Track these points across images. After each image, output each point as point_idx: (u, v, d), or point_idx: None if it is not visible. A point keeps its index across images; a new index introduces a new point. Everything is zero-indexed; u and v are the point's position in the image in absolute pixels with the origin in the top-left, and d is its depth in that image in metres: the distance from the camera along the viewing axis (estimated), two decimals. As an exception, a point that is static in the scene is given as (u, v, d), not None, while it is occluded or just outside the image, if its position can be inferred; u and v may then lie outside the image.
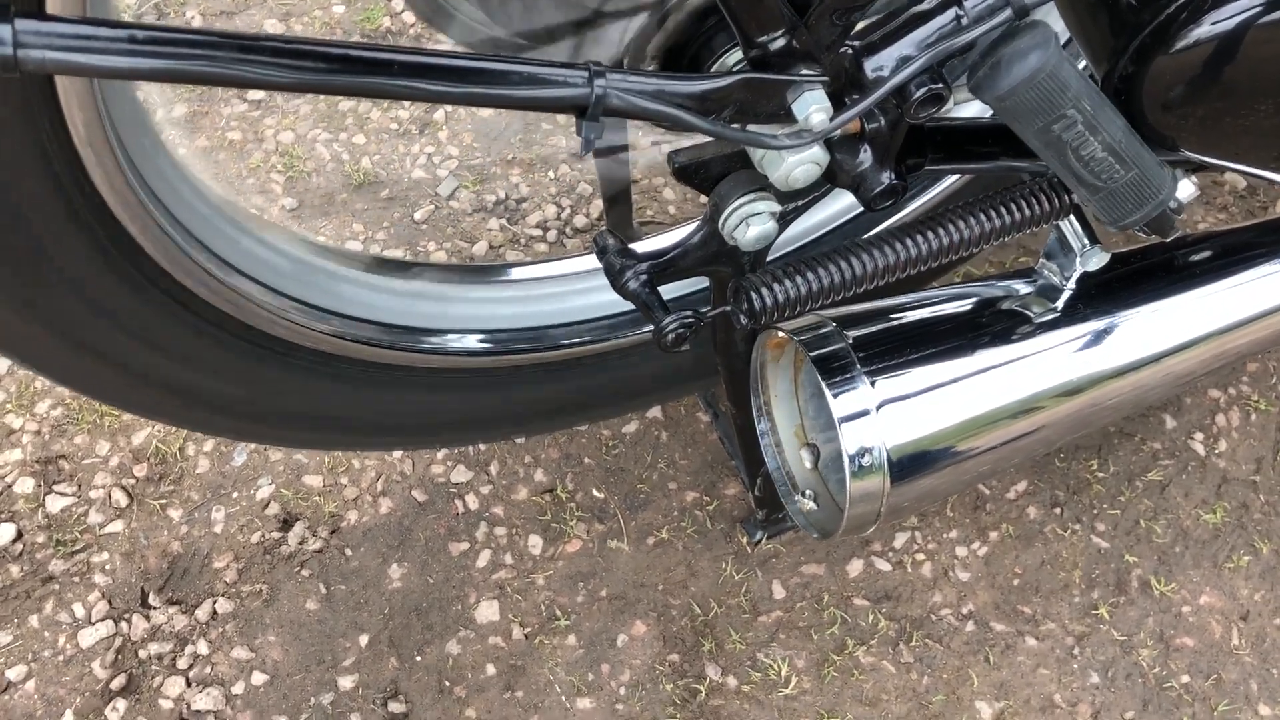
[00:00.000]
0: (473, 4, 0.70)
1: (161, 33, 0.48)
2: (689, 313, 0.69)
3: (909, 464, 0.76)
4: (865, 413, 0.75)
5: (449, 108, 1.35)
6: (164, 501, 1.10)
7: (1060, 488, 1.14)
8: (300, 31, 1.42)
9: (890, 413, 0.75)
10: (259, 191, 1.28)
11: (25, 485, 1.10)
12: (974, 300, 0.81)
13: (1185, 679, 1.04)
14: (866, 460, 0.75)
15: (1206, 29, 0.63)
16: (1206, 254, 0.83)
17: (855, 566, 1.10)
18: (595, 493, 1.13)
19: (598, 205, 1.29)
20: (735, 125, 0.60)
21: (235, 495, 1.11)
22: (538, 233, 1.29)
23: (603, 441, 1.16)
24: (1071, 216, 0.75)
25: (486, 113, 1.36)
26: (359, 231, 1.27)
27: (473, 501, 1.12)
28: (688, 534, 1.11)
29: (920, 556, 1.10)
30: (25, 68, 0.46)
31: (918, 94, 0.61)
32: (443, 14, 0.71)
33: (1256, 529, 1.12)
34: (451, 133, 1.34)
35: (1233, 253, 0.83)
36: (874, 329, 0.78)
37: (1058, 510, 1.13)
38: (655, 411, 1.17)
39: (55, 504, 1.09)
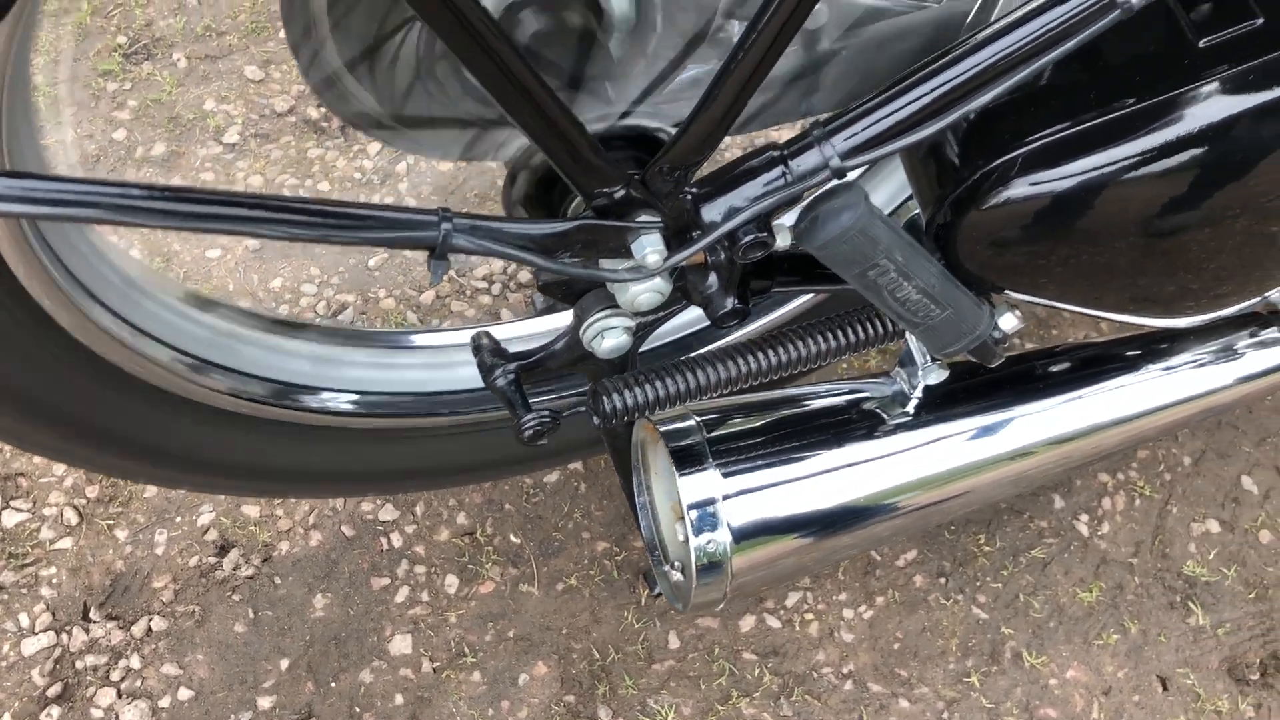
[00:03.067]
0: (365, 88, 0.78)
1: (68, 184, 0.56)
2: (547, 413, 0.77)
3: (751, 550, 0.83)
4: (712, 501, 0.83)
5: (411, 159, 1.44)
6: (112, 522, 1.19)
7: (948, 559, 1.21)
8: (278, 78, 1.51)
9: (736, 503, 0.83)
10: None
11: (-14, 500, 1.20)
12: (830, 401, 0.88)
13: (1043, 749, 1.11)
14: (711, 546, 0.83)
15: (1013, 190, 0.71)
16: (1045, 371, 0.90)
17: (748, 622, 1.17)
18: (513, 538, 1.21)
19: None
20: (577, 260, 0.68)
21: (178, 520, 1.20)
22: (484, 285, 1.37)
23: (524, 489, 1.24)
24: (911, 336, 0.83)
25: (446, 166, 1.44)
26: (315, 274, 1.35)
27: (397, 539, 1.20)
28: (595, 582, 1.19)
29: (809, 616, 1.18)
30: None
31: (745, 240, 0.69)
32: (335, 90, 0.78)
33: (1128, 609, 1.19)
34: (411, 184, 1.43)
35: (1067, 371, 0.90)
36: (732, 425, 0.86)
37: (943, 580, 1.20)
38: (577, 464, 1.25)
39: (10, 519, 1.18)
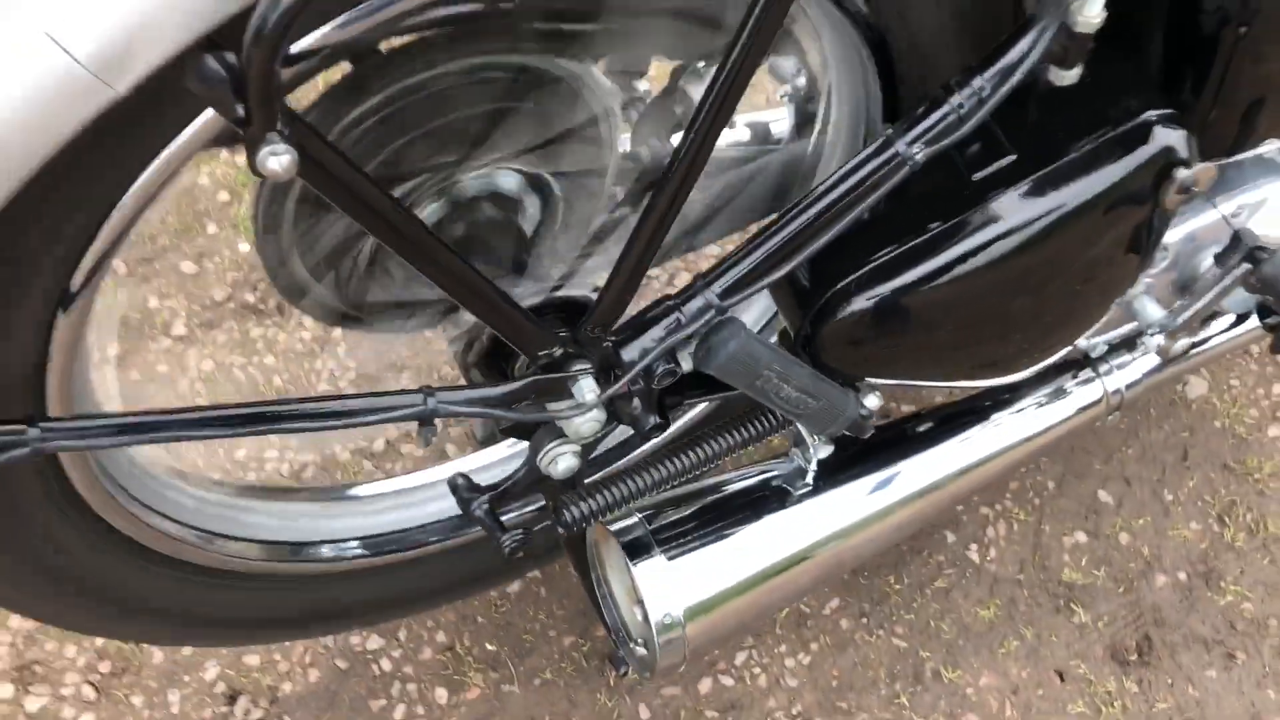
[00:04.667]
0: (325, 287, 0.95)
1: (122, 417, 0.73)
2: (520, 532, 0.95)
3: (701, 617, 1.02)
4: (663, 582, 1.01)
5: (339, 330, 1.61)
6: (127, 691, 1.32)
7: (866, 600, 1.41)
8: (212, 269, 1.67)
9: (682, 580, 1.01)
10: (188, 413, 1.52)
11: (5, 690, 1.31)
12: (745, 483, 1.08)
13: (971, 749, 1.30)
14: (667, 620, 1.00)
15: (856, 304, 0.91)
16: (914, 432, 1.11)
17: (705, 684, 1.35)
18: (489, 645, 1.37)
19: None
20: (531, 405, 0.87)
21: (187, 679, 1.33)
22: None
23: (492, 602, 1.40)
24: (801, 422, 1.03)
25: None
26: (275, 441, 1.51)
27: (386, 664, 1.35)
28: (567, 673, 1.35)
29: (757, 670, 1.36)
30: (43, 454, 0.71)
31: (658, 370, 0.88)
32: (296, 291, 0.95)
33: (1022, 618, 1.39)
34: (348, 347, 1.60)
35: (931, 430, 1.11)
36: (669, 516, 1.04)
37: (864, 619, 1.39)
38: (535, 572, 1.42)
39: (33, 704, 1.30)
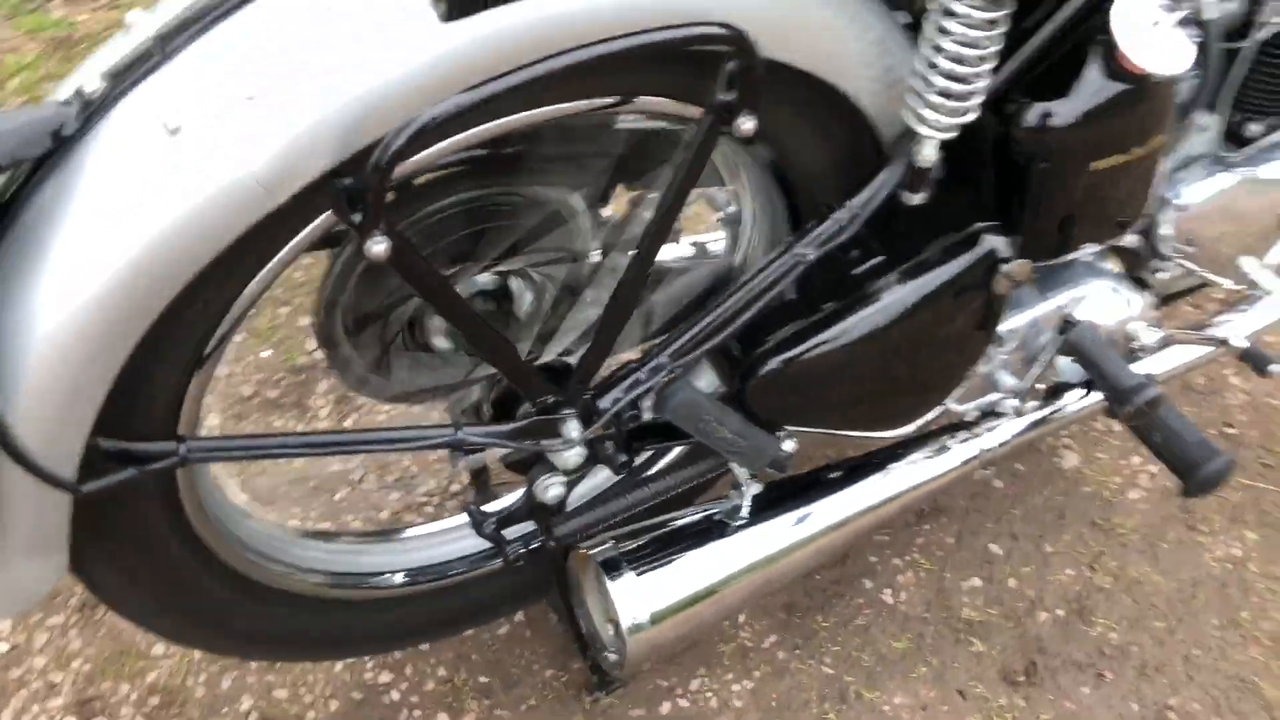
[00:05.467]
0: (374, 372, 1.25)
1: (259, 438, 1.02)
2: (521, 545, 1.23)
3: (663, 621, 1.29)
4: (634, 594, 1.28)
5: (359, 411, 1.89)
6: (174, 721, 1.55)
7: (799, 636, 1.67)
8: (239, 371, 1.96)
9: (648, 592, 1.29)
10: (221, 491, 1.78)
11: (69, 722, 1.54)
12: (693, 518, 1.36)
13: (888, 754, 1.56)
14: (636, 625, 1.28)
15: (771, 366, 1.22)
16: (829, 477, 1.41)
17: (665, 707, 1.60)
18: (482, 678, 1.62)
19: (465, 476, 1.83)
20: (532, 442, 1.16)
21: (225, 710, 1.56)
22: (426, 499, 1.81)
23: (484, 643, 1.65)
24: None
25: (383, 413, 1.90)
26: (296, 513, 1.77)
27: (395, 695, 1.59)
28: (550, 700, 1.60)
29: (709, 694, 1.61)
30: (189, 463, 0.99)
31: (626, 415, 1.18)
32: (348, 368, 1.24)
33: (929, 649, 1.67)
34: (354, 425, 1.88)
35: (842, 475, 1.41)
36: (636, 541, 1.32)
37: (798, 651, 1.66)
38: (520, 616, 1.68)
39: (94, 732, 1.53)
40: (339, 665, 1.62)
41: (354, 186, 0.87)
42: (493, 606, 1.54)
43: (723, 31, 0.91)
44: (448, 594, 1.42)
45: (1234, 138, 1.47)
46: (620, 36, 0.89)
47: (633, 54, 0.91)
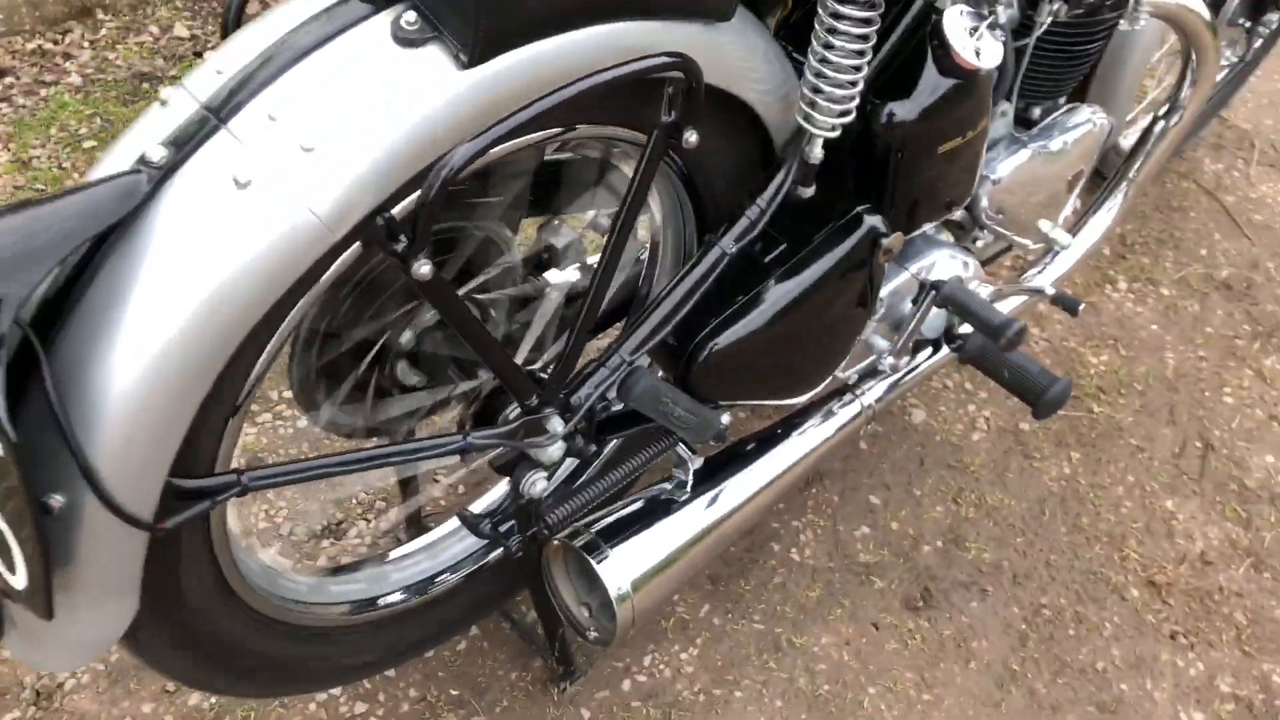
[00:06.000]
0: (332, 406, 1.36)
1: (307, 462, 1.12)
2: (517, 538, 1.36)
3: (642, 588, 1.45)
4: (613, 568, 1.44)
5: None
6: (162, 788, 1.57)
7: (727, 602, 1.86)
8: (144, 451, 1.98)
9: (627, 566, 1.44)
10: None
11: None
12: (651, 495, 1.53)
13: (825, 688, 1.77)
14: (619, 594, 1.43)
15: (705, 352, 1.41)
16: (750, 447, 1.61)
17: (625, 684, 1.75)
18: (453, 691, 1.72)
19: (390, 516, 1.92)
20: (519, 440, 1.30)
21: (210, 769, 1.60)
22: (358, 541, 1.90)
23: (447, 660, 1.76)
24: (681, 444, 1.51)
25: (297, 473, 1.96)
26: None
27: (375, 721, 1.67)
28: (521, 699, 1.72)
29: (662, 666, 1.78)
30: (249, 491, 1.08)
31: (598, 409, 1.35)
32: (314, 407, 1.35)
33: (839, 593, 1.89)
34: (277, 492, 1.94)
35: (763, 442, 1.61)
36: (606, 520, 1.48)
37: (729, 614, 1.85)
38: (475, 630, 1.79)
39: (83, 813, 1.53)
40: (312, 704, 1.68)
41: (390, 220, 1.00)
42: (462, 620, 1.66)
43: (679, 60, 1.10)
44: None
45: (1021, 121, 1.79)
46: (599, 71, 1.07)
47: (606, 87, 1.08)
